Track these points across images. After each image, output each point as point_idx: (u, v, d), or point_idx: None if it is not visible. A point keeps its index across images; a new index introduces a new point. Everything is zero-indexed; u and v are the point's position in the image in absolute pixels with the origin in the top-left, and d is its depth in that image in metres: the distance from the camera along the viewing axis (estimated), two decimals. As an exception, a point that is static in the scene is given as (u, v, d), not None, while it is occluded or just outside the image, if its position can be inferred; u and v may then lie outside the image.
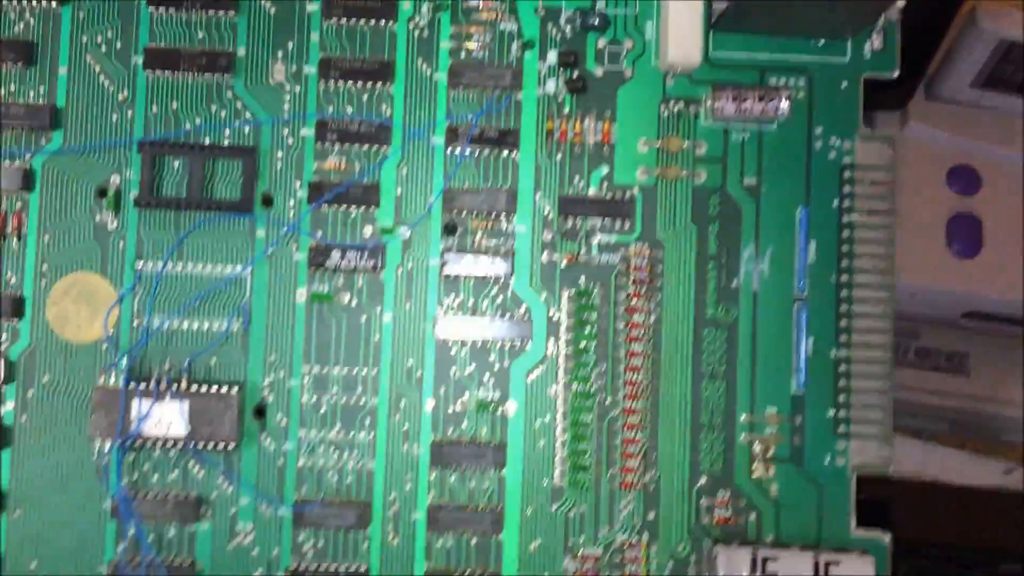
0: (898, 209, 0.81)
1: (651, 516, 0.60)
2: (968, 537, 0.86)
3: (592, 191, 0.61)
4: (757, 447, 0.61)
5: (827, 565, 0.58)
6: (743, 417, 0.61)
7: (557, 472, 0.60)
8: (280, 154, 0.61)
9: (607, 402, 0.61)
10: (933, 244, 0.82)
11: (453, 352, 0.60)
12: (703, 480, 0.61)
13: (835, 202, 0.62)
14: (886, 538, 0.61)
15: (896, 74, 0.62)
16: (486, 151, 0.61)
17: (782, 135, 0.62)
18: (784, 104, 0.61)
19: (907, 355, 0.90)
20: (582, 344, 0.61)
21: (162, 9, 0.60)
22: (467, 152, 0.60)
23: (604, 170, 0.61)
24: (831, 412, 0.61)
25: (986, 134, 0.84)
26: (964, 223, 0.83)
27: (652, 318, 0.61)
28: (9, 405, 0.59)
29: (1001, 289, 0.83)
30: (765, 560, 0.58)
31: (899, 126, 0.84)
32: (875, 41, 0.62)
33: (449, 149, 0.61)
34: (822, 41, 0.62)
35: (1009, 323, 0.86)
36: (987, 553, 0.85)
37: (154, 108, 0.60)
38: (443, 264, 0.60)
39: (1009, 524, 0.86)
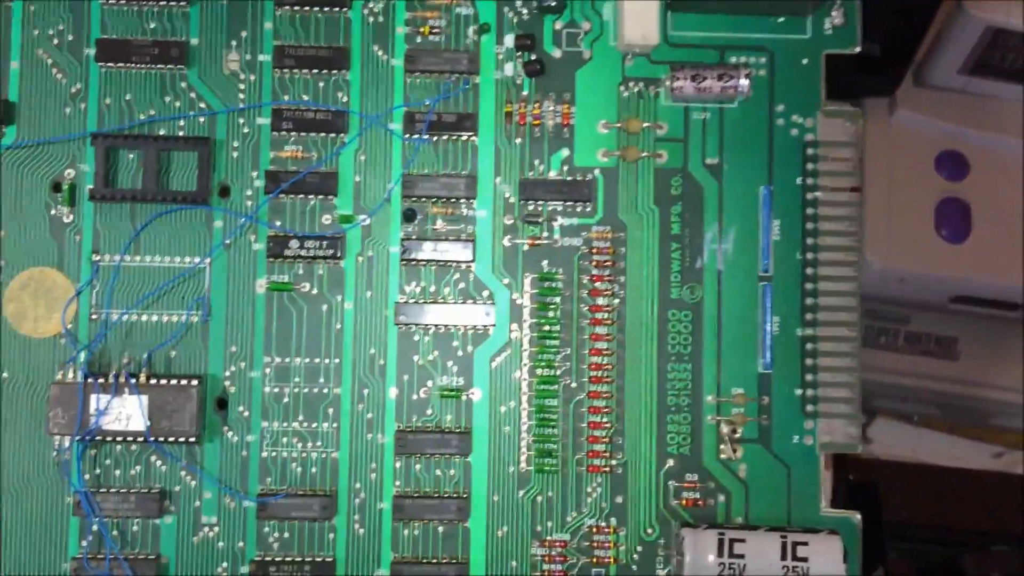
0: (887, 194, 0.81)
1: (619, 500, 0.60)
2: (958, 519, 0.85)
3: (553, 174, 0.61)
4: (724, 428, 0.61)
5: (795, 546, 0.58)
6: (710, 398, 0.60)
7: (523, 458, 0.60)
8: (236, 144, 0.60)
9: (572, 386, 0.60)
10: (922, 229, 0.82)
11: (416, 339, 0.60)
12: (670, 463, 0.60)
13: (798, 180, 0.61)
14: (856, 517, 0.60)
15: (858, 50, 0.62)
16: (444, 136, 0.60)
17: (743, 113, 0.61)
18: (744, 82, 0.60)
19: (897, 340, 0.90)
20: (546, 328, 0.60)
21: (113, 0, 0.60)
22: (425, 137, 0.60)
23: (564, 153, 0.61)
24: (798, 391, 0.60)
25: (974, 120, 0.83)
26: (953, 208, 0.83)
27: (616, 301, 0.61)
28: (-31, 402, 0.59)
29: (990, 273, 0.83)
30: (732, 542, 0.58)
31: (887, 112, 0.84)
32: (836, 17, 0.62)
33: (407, 135, 0.60)
34: (782, 18, 0.61)
35: (998, 307, 0.86)
36: (977, 535, 0.84)
37: (107, 100, 0.60)
38: (404, 251, 0.60)
39: (999, 505, 0.85)
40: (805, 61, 0.61)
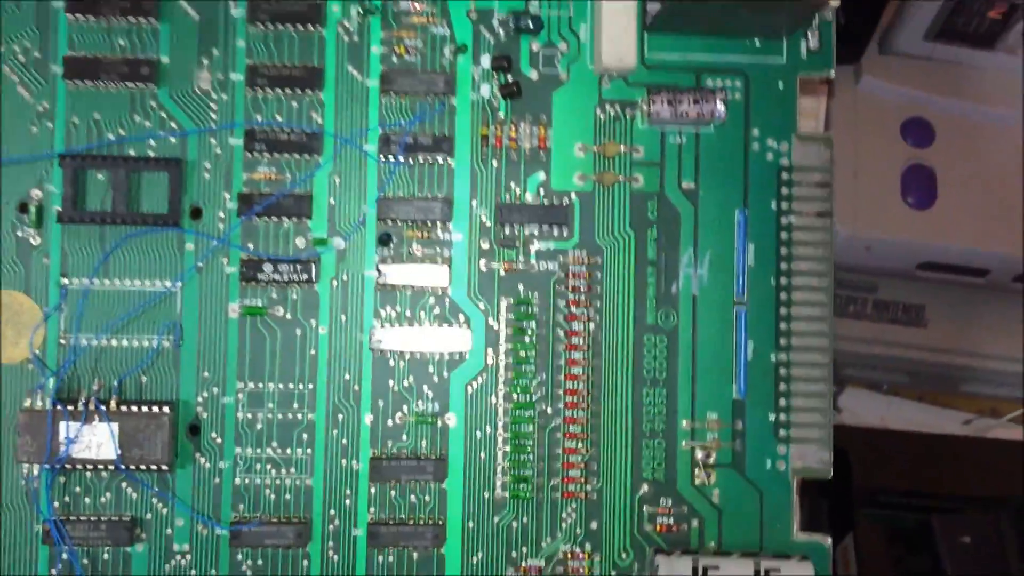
0: (853, 162, 0.81)
1: (593, 526, 0.60)
2: (928, 484, 0.86)
3: (529, 197, 0.60)
4: (699, 454, 0.61)
5: (767, 572, 0.58)
6: (684, 424, 0.60)
7: (498, 484, 0.60)
8: (208, 165, 0.59)
9: (548, 411, 0.60)
10: (888, 196, 0.83)
11: (391, 364, 0.59)
12: (645, 488, 0.60)
13: (773, 204, 0.61)
14: (827, 541, 0.61)
15: (832, 75, 0.62)
16: (420, 158, 0.59)
17: (719, 137, 0.61)
18: (720, 107, 0.60)
19: (865, 308, 0.91)
20: (522, 353, 0.60)
21: (81, 16, 0.58)
22: (401, 160, 0.59)
23: (541, 176, 0.60)
24: (771, 416, 0.61)
25: (940, 86, 0.84)
26: (918, 175, 0.84)
27: (592, 326, 0.60)
28: (-65, 430, 0.57)
29: (957, 239, 0.84)
30: (706, 569, 0.58)
31: (853, 80, 0.84)
32: (811, 41, 0.62)
33: (382, 157, 0.59)
34: (758, 42, 0.61)
35: (965, 273, 0.87)
36: (947, 499, 0.86)
37: (75, 119, 0.59)
38: (379, 275, 0.59)
39: (969, 470, 0.87)
40: (781, 85, 0.61)
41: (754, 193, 0.61)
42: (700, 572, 0.58)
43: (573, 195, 0.60)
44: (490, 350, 0.60)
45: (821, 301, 0.61)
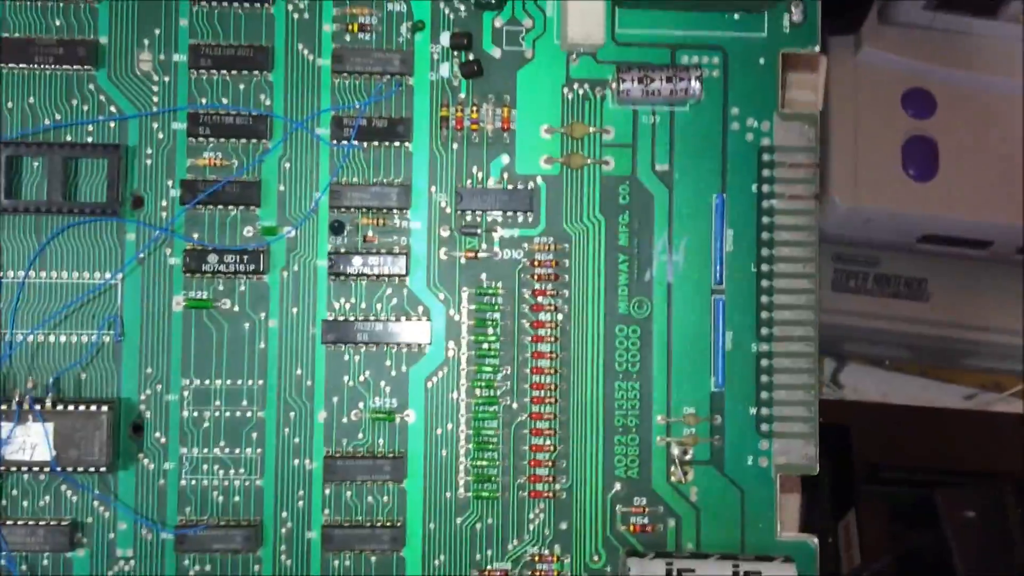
0: (853, 134, 0.79)
1: (563, 526, 0.57)
2: (930, 458, 0.86)
3: (492, 182, 0.57)
4: (675, 450, 0.58)
5: (747, 574, 0.55)
6: (659, 418, 0.57)
7: (461, 483, 0.57)
8: (149, 151, 0.56)
9: (513, 407, 0.57)
10: (889, 168, 0.82)
11: (346, 359, 0.56)
12: (618, 487, 0.57)
13: (753, 187, 0.58)
14: (813, 541, 0.58)
15: (816, 50, 0.58)
16: (375, 142, 0.56)
17: (695, 117, 0.58)
18: (695, 85, 0.57)
19: (866, 282, 0.90)
20: (485, 346, 0.57)
21: (14, -6, 0.56)
22: (355, 144, 0.56)
23: (504, 160, 0.57)
24: (752, 410, 0.57)
25: (940, 56, 0.83)
26: (920, 146, 0.83)
27: (559, 316, 0.57)
28: None
29: (958, 211, 0.83)
30: (681, 572, 0.55)
31: (853, 51, 0.83)
32: (794, 14, 0.58)
33: (335, 141, 0.56)
34: (737, 15, 0.58)
35: (967, 246, 0.86)
36: (950, 474, 0.85)
37: (9, 104, 0.56)
38: (332, 265, 0.56)
39: (971, 444, 0.87)
40: (762, 61, 0.58)
41: (733, 175, 0.58)
42: (675, 575, 0.55)
43: (539, 179, 0.57)
44: (451, 343, 0.57)
45: (806, 288, 0.58)
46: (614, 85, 0.57)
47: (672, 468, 0.57)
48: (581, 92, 0.57)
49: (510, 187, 0.57)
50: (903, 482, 0.85)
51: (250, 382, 0.56)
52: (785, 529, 0.58)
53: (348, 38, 0.57)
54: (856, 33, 0.82)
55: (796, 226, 0.58)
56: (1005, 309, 0.89)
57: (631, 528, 0.57)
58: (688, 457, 0.58)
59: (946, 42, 0.83)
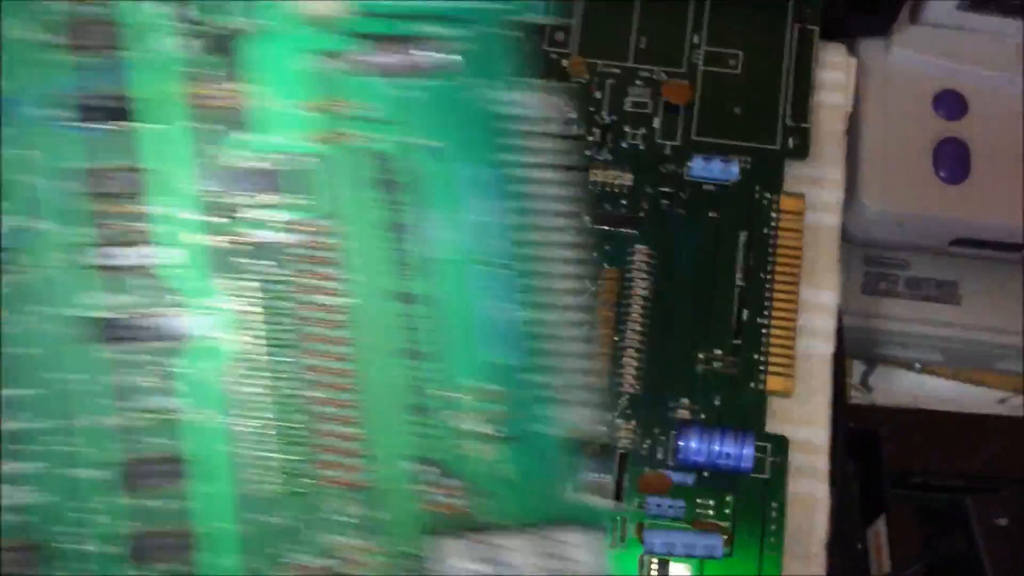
0: (883, 136, 0.81)
1: (371, 513, 0.55)
2: (961, 464, 0.86)
3: (242, 163, 0.55)
4: (472, 425, 0.56)
5: (548, 542, 0.54)
6: (449, 395, 0.55)
7: (258, 481, 0.54)
8: None
9: (302, 396, 0.55)
10: (920, 171, 0.82)
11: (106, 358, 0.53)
12: (419, 467, 0.55)
13: (518, 158, 0.58)
14: (611, 505, 0.57)
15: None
16: (100, 123, 0.54)
17: (453, 89, 0.57)
18: (442, 56, 0.56)
19: (896, 286, 0.90)
20: (262, 336, 0.55)
21: None
22: (79, 126, 0.53)
23: (255, 138, 0.55)
24: (539, 379, 0.56)
25: (972, 57, 0.83)
26: (951, 148, 0.82)
27: (331, 300, 0.55)
28: None
29: (990, 214, 0.82)
30: (487, 546, 0.54)
31: (884, 52, 0.84)
32: (550, -24, 0.59)
33: (56, 123, 0.53)
34: (487, -18, 0.58)
35: (999, 249, 0.86)
36: (981, 479, 0.85)
37: None
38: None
39: (1004, 449, 0.86)
40: (513, 31, 0.58)
41: (495, 147, 0.57)
42: (476, 549, 0.53)
43: (291, 156, 0.55)
44: (221, 334, 0.54)
45: (574, 258, 0.58)
46: (360, 57, 0.56)
47: (466, 444, 0.56)
48: (324, 65, 0.56)
49: (267, 167, 0.55)
50: (934, 488, 0.84)
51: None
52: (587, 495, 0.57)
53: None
54: (887, 34, 0.82)
55: (558, 196, 0.57)
56: (1038, 312, 0.91)
57: (436, 507, 0.55)
58: (485, 431, 0.56)
59: (978, 43, 0.83)
